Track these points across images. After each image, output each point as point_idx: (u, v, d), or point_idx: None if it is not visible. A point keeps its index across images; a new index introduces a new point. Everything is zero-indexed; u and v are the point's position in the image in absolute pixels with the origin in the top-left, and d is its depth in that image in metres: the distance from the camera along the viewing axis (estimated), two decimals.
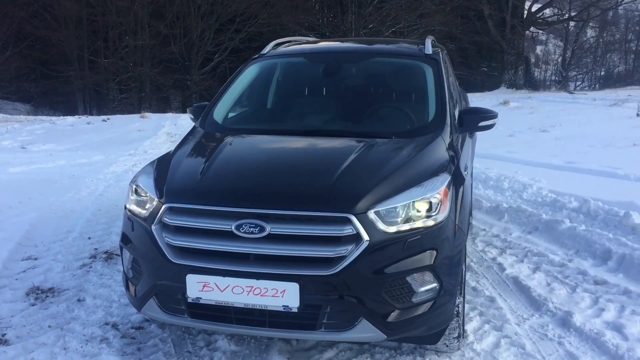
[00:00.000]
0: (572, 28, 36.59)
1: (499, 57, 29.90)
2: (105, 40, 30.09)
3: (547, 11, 30.38)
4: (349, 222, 3.08)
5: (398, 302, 3.16)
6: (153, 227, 3.33)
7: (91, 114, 25.45)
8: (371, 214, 3.12)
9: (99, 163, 10.00)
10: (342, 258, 3.06)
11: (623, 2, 27.31)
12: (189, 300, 3.22)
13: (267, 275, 3.09)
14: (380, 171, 3.42)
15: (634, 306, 4.42)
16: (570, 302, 4.51)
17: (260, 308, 3.15)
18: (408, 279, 3.17)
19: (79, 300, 4.51)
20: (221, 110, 4.59)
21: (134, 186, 3.68)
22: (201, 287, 3.18)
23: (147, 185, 3.59)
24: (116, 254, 5.47)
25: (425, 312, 3.25)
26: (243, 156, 3.90)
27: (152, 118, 16.89)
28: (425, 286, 3.22)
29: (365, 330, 3.15)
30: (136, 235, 3.48)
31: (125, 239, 3.61)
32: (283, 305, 3.10)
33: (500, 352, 3.78)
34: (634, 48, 70.95)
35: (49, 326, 4.12)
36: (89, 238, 5.99)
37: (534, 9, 28.84)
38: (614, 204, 6.51)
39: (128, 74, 29.90)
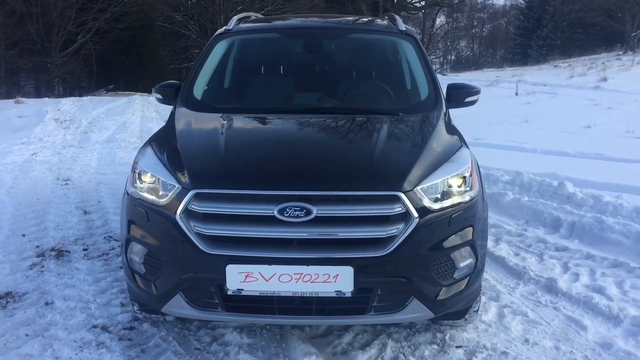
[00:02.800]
0: (421, 14, 38.34)
1: None
2: None
3: None
4: (398, 200, 2.99)
5: (443, 279, 3.14)
6: (177, 216, 3.02)
7: None
8: (418, 191, 3.06)
9: None
10: (394, 238, 2.97)
11: None
12: (229, 292, 2.97)
13: (317, 261, 2.93)
14: (413, 148, 3.37)
15: (601, 269, 4.72)
16: (545, 269, 4.72)
17: (309, 295, 2.98)
18: (452, 255, 3.15)
19: (47, 303, 4.03)
20: (202, 89, 4.28)
21: (138, 172, 3.33)
22: (243, 278, 2.95)
23: (158, 170, 3.26)
24: (66, 251, 4.96)
25: (464, 287, 3.26)
26: (262, 136, 3.65)
27: (29, 103, 15.46)
28: (465, 262, 3.23)
29: (415, 310, 3.10)
30: (153, 226, 3.15)
31: (135, 231, 3.26)
32: (336, 291, 2.95)
33: (508, 321, 3.88)
34: (478, 34, 76.48)
35: (26, 335, 3.64)
36: (24, 235, 5.38)
37: None
38: (542, 175, 6.94)
39: None
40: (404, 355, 3.46)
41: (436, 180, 3.15)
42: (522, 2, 61.77)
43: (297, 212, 2.93)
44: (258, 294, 2.98)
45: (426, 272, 3.06)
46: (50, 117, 12.70)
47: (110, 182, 7.41)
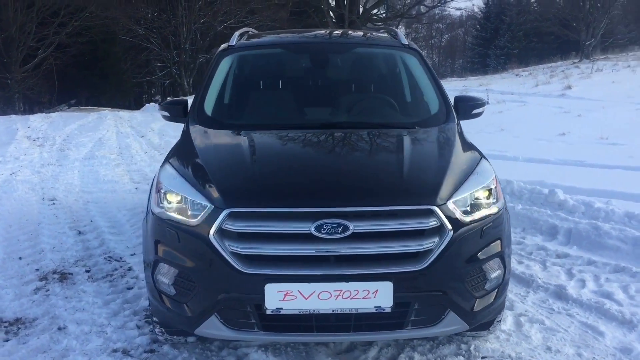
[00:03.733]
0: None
1: None
2: None
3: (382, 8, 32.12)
4: (432, 214, 3.02)
5: (476, 291, 3.17)
6: (211, 236, 2.98)
7: None
8: (451, 204, 3.09)
9: None
10: (430, 251, 2.99)
11: (449, 0, 29.70)
12: (268, 312, 2.94)
13: (356, 277, 2.93)
14: (440, 161, 3.40)
15: (605, 274, 4.81)
16: (551, 276, 4.79)
17: (348, 312, 2.97)
18: (483, 267, 3.19)
19: (59, 328, 3.92)
20: (214, 106, 4.24)
21: (164, 192, 3.27)
22: (282, 297, 2.93)
23: (185, 189, 3.21)
24: (69, 273, 4.84)
25: (494, 299, 3.29)
26: (289, 153, 3.63)
27: None
28: (494, 273, 3.27)
29: (452, 323, 3.12)
30: (184, 246, 3.10)
31: (163, 252, 3.20)
32: (375, 307, 2.96)
33: (527, 329, 3.92)
34: (437, 44, 77.73)
35: None
36: (20, 258, 5.23)
37: (368, 6, 30.27)
38: (531, 183, 7.07)
39: None
40: None
41: (466, 193, 3.19)
42: (479, 13, 63.01)
43: (334, 229, 2.93)
44: (297, 313, 2.96)
45: (461, 284, 3.08)
46: (22, 135, 12.40)
47: (99, 201, 7.26)
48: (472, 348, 3.68)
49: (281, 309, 2.94)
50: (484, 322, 3.45)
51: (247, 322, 3.04)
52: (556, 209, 6.27)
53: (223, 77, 4.50)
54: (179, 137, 4.12)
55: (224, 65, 4.57)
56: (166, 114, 4.37)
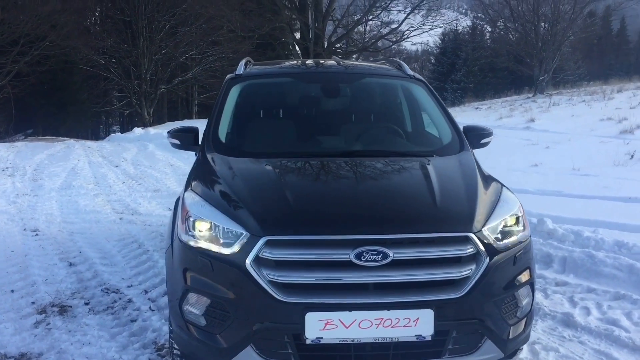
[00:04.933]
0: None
1: None
2: None
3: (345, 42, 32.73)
4: (469, 241, 3.03)
5: (510, 318, 3.18)
6: (247, 264, 2.92)
7: None
8: (486, 231, 3.11)
9: None
10: (467, 279, 3.00)
11: (410, 35, 30.41)
12: (308, 341, 2.88)
13: (397, 305, 2.90)
14: (468, 189, 3.43)
15: (606, 302, 4.89)
16: (555, 304, 4.85)
17: (388, 341, 2.93)
18: (516, 294, 3.21)
19: None
20: (229, 133, 4.19)
21: (193, 220, 3.19)
22: (323, 326, 2.87)
23: (216, 217, 3.14)
24: (68, 306, 4.66)
25: (524, 327, 3.30)
26: (321, 181, 3.60)
27: None
28: (525, 300, 3.29)
29: (489, 351, 3.11)
30: (217, 275, 3.02)
31: (194, 281, 3.11)
32: (416, 335, 2.93)
33: (544, 357, 3.94)
34: None
35: None
36: (12, 291, 5.01)
37: (332, 40, 30.78)
38: None
39: None
40: None
41: (497, 221, 3.22)
42: (436, 48, 64.61)
43: (374, 256, 2.90)
44: (338, 342, 2.91)
45: (497, 312, 3.09)
46: None
47: (84, 232, 7.05)
48: None
49: (321, 338, 2.88)
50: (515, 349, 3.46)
51: (284, 352, 2.96)
52: (547, 238, 6.38)
53: (234, 105, 4.47)
54: (194, 165, 4.05)
55: (234, 93, 4.53)
56: (176, 142, 4.30)
